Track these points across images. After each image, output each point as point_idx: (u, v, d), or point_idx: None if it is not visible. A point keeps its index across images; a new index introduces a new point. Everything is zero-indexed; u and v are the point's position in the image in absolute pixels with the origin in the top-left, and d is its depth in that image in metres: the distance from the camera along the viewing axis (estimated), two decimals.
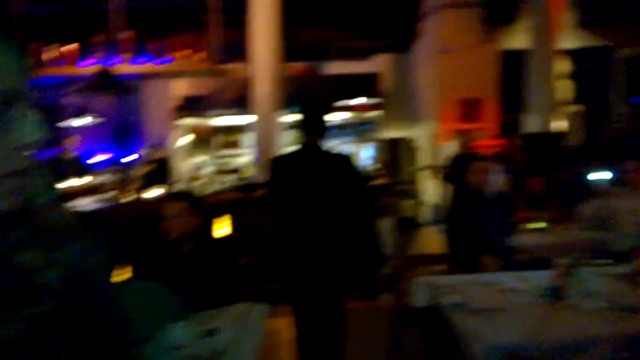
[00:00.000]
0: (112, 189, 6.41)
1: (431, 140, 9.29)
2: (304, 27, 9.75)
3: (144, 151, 9.87)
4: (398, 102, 10.27)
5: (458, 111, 8.78)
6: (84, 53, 7.02)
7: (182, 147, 9.34)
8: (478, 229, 3.52)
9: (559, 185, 4.73)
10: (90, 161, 8.87)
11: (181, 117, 8.50)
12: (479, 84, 8.78)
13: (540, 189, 4.71)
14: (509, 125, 9.10)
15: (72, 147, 8.78)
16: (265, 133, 6.39)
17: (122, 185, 5.68)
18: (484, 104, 8.76)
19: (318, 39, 10.22)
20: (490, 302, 2.37)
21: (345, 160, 3.01)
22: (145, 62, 5.46)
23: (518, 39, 8.87)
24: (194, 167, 8.69)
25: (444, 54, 8.84)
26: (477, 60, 8.79)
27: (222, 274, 2.72)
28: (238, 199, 5.18)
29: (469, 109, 8.76)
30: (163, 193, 4.79)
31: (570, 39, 9.23)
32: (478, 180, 4.46)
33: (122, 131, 9.88)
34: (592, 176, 3.89)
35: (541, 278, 2.55)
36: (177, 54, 5.51)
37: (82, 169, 8.11)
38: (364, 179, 3.31)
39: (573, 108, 9.63)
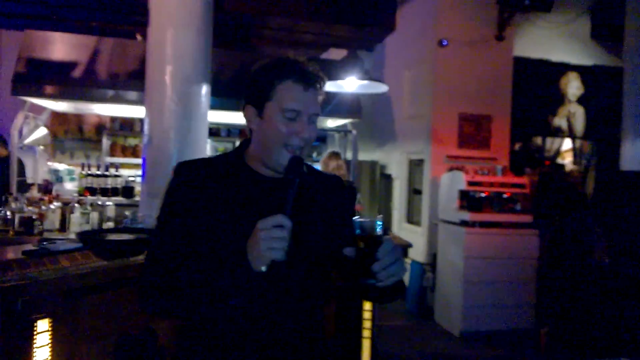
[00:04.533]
0: None
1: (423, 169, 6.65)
2: None
3: None
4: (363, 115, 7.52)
5: (455, 131, 6.18)
6: None
7: (36, 144, 5.95)
8: None
9: None
10: None
11: (30, 93, 5.12)
12: (487, 95, 6.25)
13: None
14: (519, 155, 6.70)
15: None
16: (161, 134, 3.37)
17: None
18: (492, 124, 6.23)
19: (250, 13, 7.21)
20: None
21: None
22: None
23: (542, 41, 6.48)
24: (46, 179, 5.25)
25: (440, 49, 6.24)
26: (486, 63, 6.28)
27: None
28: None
29: (472, 129, 6.20)
30: None
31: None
32: None
33: None
34: None
35: None
36: None
37: None
38: None
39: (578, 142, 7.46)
